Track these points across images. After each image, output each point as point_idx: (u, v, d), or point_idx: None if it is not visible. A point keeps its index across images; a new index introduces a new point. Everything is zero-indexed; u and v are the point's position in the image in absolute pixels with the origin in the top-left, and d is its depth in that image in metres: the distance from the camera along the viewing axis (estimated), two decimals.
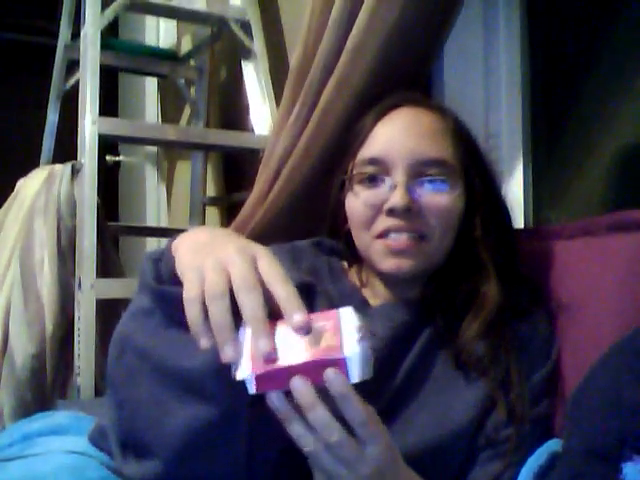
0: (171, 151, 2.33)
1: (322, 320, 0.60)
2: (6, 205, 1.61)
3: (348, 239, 0.90)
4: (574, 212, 1.16)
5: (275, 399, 0.58)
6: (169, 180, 2.38)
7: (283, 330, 0.58)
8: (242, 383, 0.57)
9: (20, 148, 2.50)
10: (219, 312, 0.57)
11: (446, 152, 0.85)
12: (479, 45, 1.25)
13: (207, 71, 1.99)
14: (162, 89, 2.41)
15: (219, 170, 2.04)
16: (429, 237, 0.83)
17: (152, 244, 2.40)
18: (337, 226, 0.93)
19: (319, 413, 0.57)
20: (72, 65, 1.77)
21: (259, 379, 0.57)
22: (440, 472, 0.78)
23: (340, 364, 0.57)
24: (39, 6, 3.08)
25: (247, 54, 1.70)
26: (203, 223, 1.99)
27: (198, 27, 1.93)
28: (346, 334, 0.58)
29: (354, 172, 0.87)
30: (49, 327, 1.45)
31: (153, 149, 2.47)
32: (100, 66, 1.48)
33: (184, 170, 2.18)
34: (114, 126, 1.50)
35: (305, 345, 0.57)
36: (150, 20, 2.43)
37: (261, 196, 1.28)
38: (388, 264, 0.83)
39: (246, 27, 1.69)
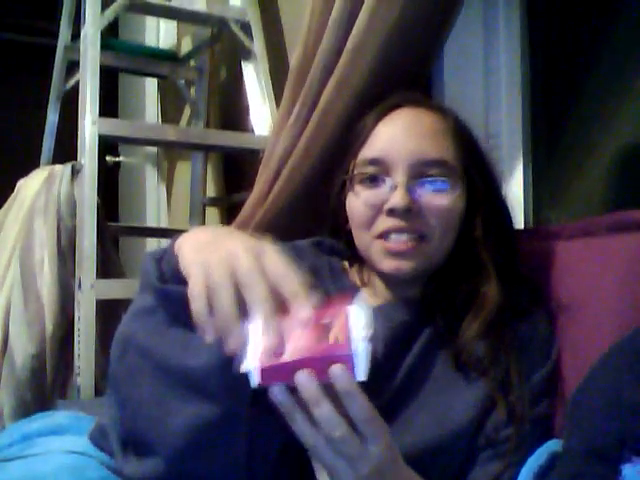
0: (171, 151, 2.33)
1: (330, 316, 0.59)
2: (6, 205, 1.61)
3: (349, 239, 0.90)
4: (574, 212, 1.16)
5: (278, 393, 0.58)
6: (169, 180, 2.38)
7: (289, 324, 0.58)
8: (245, 380, 0.57)
9: (20, 148, 2.50)
10: (224, 303, 0.58)
11: (447, 152, 0.85)
12: (479, 45, 1.25)
13: (207, 72, 1.99)
14: (162, 89, 2.41)
15: (219, 170, 2.04)
16: (429, 237, 0.83)
17: (152, 244, 2.40)
18: (338, 226, 0.93)
19: (324, 408, 0.57)
20: (72, 65, 1.77)
21: (264, 372, 0.57)
22: (440, 472, 0.77)
23: (347, 360, 0.57)
24: (39, 6, 3.08)
25: (247, 55, 1.70)
26: (203, 223, 1.99)
27: (198, 28, 1.93)
28: (354, 331, 0.58)
29: (355, 172, 0.87)
30: (49, 327, 1.45)
31: (153, 149, 2.47)
32: (100, 66, 1.48)
33: (184, 170, 2.18)
34: (114, 126, 1.50)
35: (312, 340, 0.57)
36: (150, 21, 2.43)
37: (261, 196, 1.28)
38: (388, 265, 0.83)
39: (246, 28, 1.69)
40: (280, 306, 0.59)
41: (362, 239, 0.86)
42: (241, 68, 1.72)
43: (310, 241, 0.96)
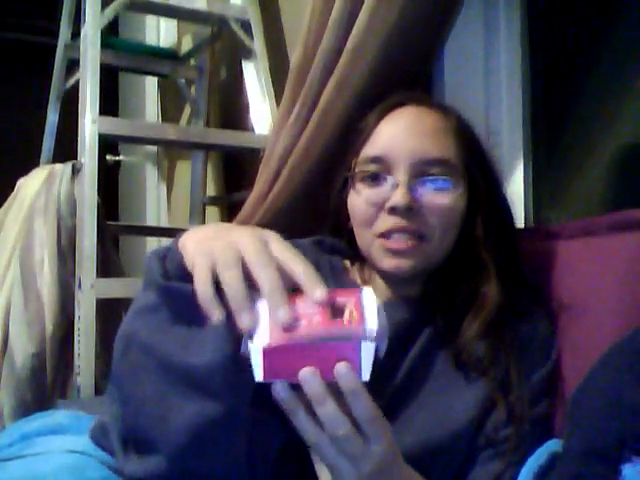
0: (171, 151, 2.33)
1: (344, 296, 0.59)
2: (6, 205, 1.61)
3: (350, 237, 0.91)
4: (574, 212, 1.17)
5: (281, 390, 0.58)
6: (169, 180, 2.38)
7: (300, 305, 0.58)
8: (247, 378, 0.57)
9: (20, 148, 2.50)
10: (233, 281, 0.58)
11: (448, 151, 0.85)
12: (479, 45, 1.25)
13: (207, 70, 1.99)
14: (162, 88, 2.41)
15: (219, 170, 2.04)
16: (429, 237, 0.83)
17: (152, 244, 2.40)
18: (339, 224, 0.93)
19: (328, 407, 0.57)
20: (72, 65, 1.77)
21: (271, 355, 0.56)
22: (440, 472, 0.78)
23: (354, 358, 0.56)
24: (39, 6, 3.08)
25: (247, 54, 1.70)
26: (203, 223, 1.99)
27: (198, 26, 1.93)
28: (368, 311, 0.58)
29: (357, 170, 0.87)
30: (49, 327, 1.45)
31: (153, 149, 2.47)
32: (100, 65, 1.48)
33: (184, 170, 2.18)
34: (114, 126, 1.50)
35: (325, 317, 0.57)
36: (150, 19, 2.43)
37: (261, 196, 1.28)
38: (388, 264, 0.83)
39: (246, 27, 1.69)
40: (288, 291, 0.59)
41: (363, 237, 0.87)
42: (241, 67, 1.72)
43: (311, 240, 0.96)
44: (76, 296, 1.40)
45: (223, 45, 1.99)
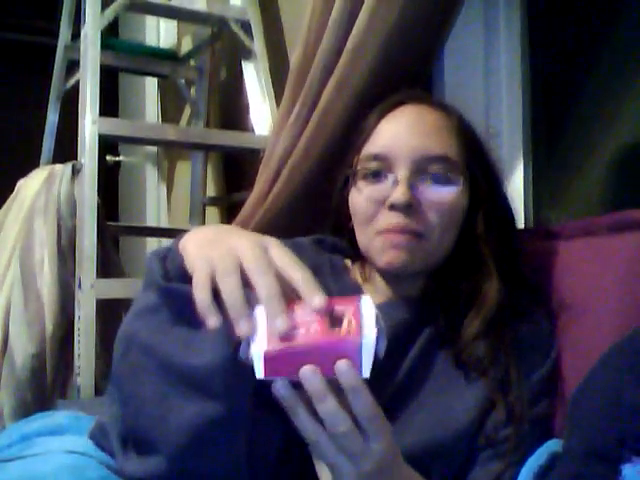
0: (171, 151, 2.33)
1: (342, 304, 0.59)
2: (6, 205, 1.61)
3: (351, 237, 0.90)
4: (574, 212, 1.17)
5: (281, 387, 0.58)
6: (169, 180, 2.39)
7: (298, 312, 0.58)
8: (248, 379, 0.57)
9: (20, 148, 2.50)
10: (232, 287, 0.58)
11: (450, 149, 0.85)
12: (479, 45, 1.25)
13: (207, 71, 1.99)
14: (162, 89, 2.41)
15: (219, 170, 2.04)
16: (429, 235, 0.83)
17: (152, 244, 2.40)
18: (340, 223, 0.93)
19: (329, 403, 0.57)
20: (72, 65, 1.77)
21: (270, 360, 0.56)
22: (440, 472, 0.77)
23: (356, 352, 0.56)
24: (39, 6, 3.08)
25: (247, 54, 1.70)
26: (203, 223, 1.99)
27: (198, 27, 1.93)
28: (366, 320, 0.58)
29: (358, 167, 0.87)
30: (49, 327, 1.45)
31: (153, 149, 2.47)
32: (100, 66, 1.48)
33: (184, 170, 2.18)
34: (114, 126, 1.50)
35: (323, 326, 0.57)
36: (150, 20, 2.43)
37: (261, 196, 1.28)
38: (385, 258, 0.83)
39: (246, 27, 1.69)
40: (287, 297, 0.59)
41: (363, 235, 0.86)
42: (241, 67, 1.72)
43: (311, 238, 0.96)
44: (76, 296, 1.40)
45: (223, 46, 1.99)
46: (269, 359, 0.56)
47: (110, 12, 1.53)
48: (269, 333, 0.57)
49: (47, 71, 1.88)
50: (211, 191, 2.03)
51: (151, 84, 2.45)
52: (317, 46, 1.16)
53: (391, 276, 0.87)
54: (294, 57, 1.24)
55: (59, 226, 1.50)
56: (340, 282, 0.89)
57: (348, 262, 0.95)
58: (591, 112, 1.14)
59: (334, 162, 1.03)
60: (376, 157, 0.85)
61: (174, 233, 0.73)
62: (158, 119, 2.44)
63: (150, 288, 0.68)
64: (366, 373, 0.57)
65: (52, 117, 1.89)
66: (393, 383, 0.81)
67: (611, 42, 1.12)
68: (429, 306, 0.86)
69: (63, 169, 1.51)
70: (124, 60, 1.91)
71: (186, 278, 0.64)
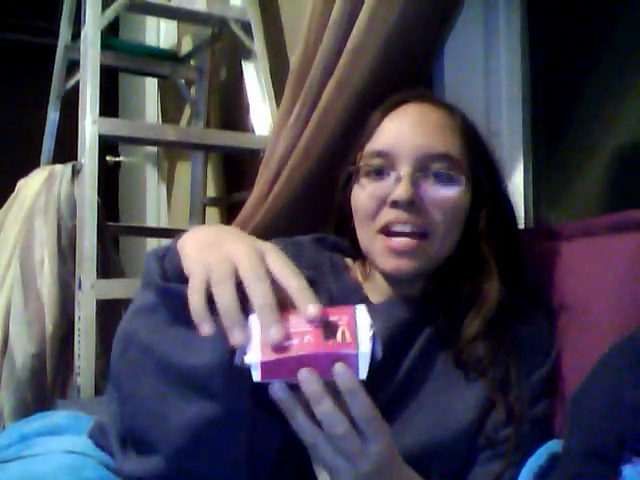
0: (171, 151, 2.33)
1: (337, 314, 0.59)
2: (6, 205, 1.61)
3: (353, 236, 0.90)
4: (574, 212, 1.17)
5: (278, 390, 0.58)
6: (169, 180, 2.38)
7: (292, 321, 0.58)
8: (246, 379, 0.57)
9: (20, 148, 2.50)
10: (226, 295, 0.58)
11: (452, 148, 0.85)
12: (479, 45, 1.25)
13: (207, 71, 1.99)
14: (162, 89, 2.41)
15: (219, 170, 2.04)
16: (432, 234, 0.83)
17: (152, 244, 2.40)
18: (342, 222, 0.93)
19: (326, 405, 0.57)
20: (72, 65, 1.77)
21: (266, 367, 0.56)
22: (440, 472, 0.77)
23: (351, 359, 0.57)
24: (39, 6, 3.08)
25: (247, 54, 1.70)
26: (203, 223, 1.99)
27: (198, 27, 1.93)
28: (361, 330, 0.58)
29: (361, 164, 0.87)
30: (49, 327, 1.45)
31: (153, 149, 2.47)
32: (100, 66, 1.48)
33: (184, 170, 2.18)
34: (114, 126, 1.50)
35: (317, 337, 0.57)
36: (150, 20, 2.43)
37: (261, 196, 1.28)
38: (389, 264, 0.83)
39: (246, 27, 1.69)
40: (283, 304, 0.59)
41: (365, 233, 0.86)
42: (241, 68, 1.72)
43: (311, 237, 0.96)
44: (76, 296, 1.40)
45: (223, 46, 1.99)
46: (263, 369, 0.57)
47: (110, 12, 1.53)
48: (263, 343, 0.57)
49: (47, 71, 1.88)
50: (211, 191, 2.03)
51: (151, 84, 2.45)
52: (317, 46, 1.16)
53: (391, 277, 0.87)
54: (294, 57, 1.24)
55: (59, 226, 1.50)
56: (340, 281, 0.89)
57: (349, 261, 0.95)
58: (591, 112, 1.14)
59: (334, 162, 1.03)
60: (379, 154, 0.85)
61: (174, 233, 0.73)
62: (158, 119, 2.44)
63: (148, 288, 0.68)
64: (362, 375, 0.57)
65: (52, 117, 1.89)
66: (393, 383, 0.81)
67: (611, 42, 1.12)
68: (429, 306, 0.86)
69: (63, 169, 1.51)
70: (124, 60, 1.91)
71: (184, 278, 0.64)
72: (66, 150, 1.71)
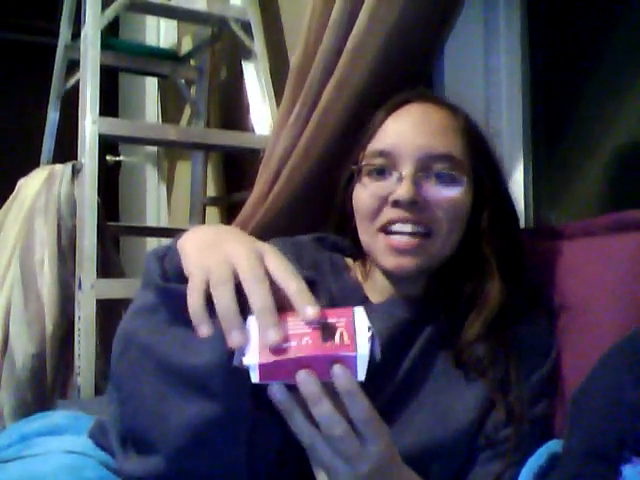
0: (171, 151, 2.33)
1: (335, 316, 0.60)
2: (6, 205, 1.61)
3: (354, 235, 0.90)
4: (574, 212, 1.17)
5: (277, 391, 0.58)
6: (169, 180, 2.38)
7: (291, 323, 0.58)
8: (246, 379, 0.57)
9: (20, 148, 2.50)
10: (225, 297, 0.58)
11: (455, 148, 0.85)
12: (479, 45, 1.25)
13: (207, 71, 1.99)
14: (162, 89, 2.41)
15: (219, 170, 2.04)
16: (435, 232, 0.83)
17: (152, 244, 2.40)
18: (343, 221, 0.93)
19: (324, 407, 0.57)
20: (72, 65, 1.77)
21: (265, 369, 0.57)
22: (440, 472, 0.77)
23: (350, 361, 0.57)
24: (39, 6, 3.08)
25: (247, 54, 1.70)
26: (203, 223, 1.99)
27: (198, 27, 1.93)
28: (359, 332, 0.58)
29: (363, 163, 0.87)
30: (49, 327, 1.45)
31: (153, 149, 2.47)
32: (100, 66, 1.48)
33: (184, 170, 2.18)
34: (114, 126, 1.50)
35: (316, 339, 0.57)
36: (150, 20, 2.43)
37: (261, 196, 1.28)
38: (390, 263, 0.83)
39: (246, 27, 1.69)
40: (281, 306, 0.59)
41: (366, 232, 0.86)
42: (241, 67, 1.72)
43: (312, 237, 0.96)
44: (76, 296, 1.40)
45: (223, 46, 1.99)
46: (262, 371, 0.57)
47: (110, 12, 1.53)
48: (261, 345, 0.57)
49: (47, 71, 1.88)
50: (211, 191, 2.03)
51: (151, 84, 2.45)
52: (317, 46, 1.16)
53: (393, 275, 0.87)
54: (294, 57, 1.24)
55: (59, 226, 1.50)
56: (340, 281, 0.89)
57: (349, 261, 0.95)
58: (591, 112, 1.14)
59: (334, 162, 1.03)
60: (381, 153, 0.85)
61: (174, 233, 0.73)
62: (158, 119, 2.44)
63: (148, 287, 0.68)
64: (361, 377, 0.57)
65: (52, 117, 1.88)
66: (393, 383, 0.81)
67: (611, 42, 1.12)
68: (430, 305, 0.86)
69: (63, 169, 1.51)
70: (124, 60, 1.91)
71: (184, 278, 0.64)
72: (66, 150, 1.71)
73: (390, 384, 0.81)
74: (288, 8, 1.70)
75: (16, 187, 1.62)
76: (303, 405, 0.58)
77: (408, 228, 0.82)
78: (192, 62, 2.03)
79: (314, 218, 1.03)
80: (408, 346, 0.84)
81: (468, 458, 0.79)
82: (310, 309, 0.58)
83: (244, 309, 0.59)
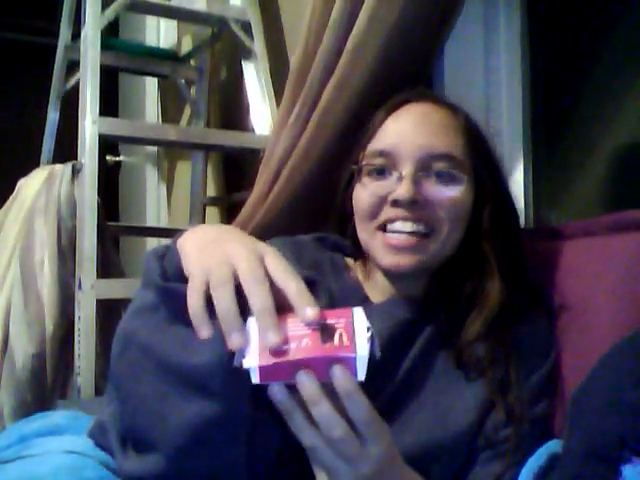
0: (171, 151, 2.33)
1: (335, 317, 0.60)
2: (6, 205, 1.61)
3: (354, 235, 0.90)
4: (574, 212, 1.17)
5: (277, 392, 0.58)
6: (169, 180, 2.38)
7: (291, 324, 0.58)
8: (246, 379, 0.57)
9: (20, 148, 2.50)
10: (225, 299, 0.58)
11: (455, 148, 0.85)
12: (479, 45, 1.25)
13: (207, 71, 1.99)
14: (162, 89, 2.41)
15: (219, 170, 2.04)
16: (436, 231, 0.83)
17: (152, 244, 2.40)
18: (344, 221, 0.93)
19: (324, 408, 0.57)
20: (72, 65, 1.77)
21: (264, 370, 0.57)
22: (440, 472, 0.77)
23: (349, 362, 0.57)
24: (39, 6, 3.08)
25: (247, 54, 1.70)
26: (203, 223, 1.99)
27: (198, 27, 1.93)
28: (359, 333, 0.58)
29: (363, 163, 0.87)
30: (49, 327, 1.45)
31: (153, 149, 2.47)
32: (100, 66, 1.48)
33: (184, 170, 2.18)
34: (114, 126, 1.50)
35: (315, 340, 0.57)
36: (150, 20, 2.43)
37: (261, 196, 1.28)
38: (388, 260, 0.83)
39: (246, 27, 1.69)
40: (282, 307, 0.59)
41: (364, 230, 0.86)
42: (241, 67, 1.72)
43: (312, 236, 0.96)
44: (76, 297, 1.40)
45: (223, 46, 1.99)
46: (262, 373, 0.57)
47: (110, 12, 1.53)
48: (261, 347, 0.57)
49: (47, 71, 1.88)
50: (211, 191, 2.03)
51: (151, 84, 2.45)
52: (317, 46, 1.16)
53: (393, 275, 0.87)
54: (294, 57, 1.24)
55: (59, 226, 1.50)
56: (341, 280, 0.89)
57: (349, 260, 0.95)
58: (591, 112, 1.14)
59: (334, 162, 1.04)
60: (381, 153, 0.85)
61: (174, 233, 0.73)
62: (158, 119, 2.44)
63: (148, 287, 0.68)
64: (361, 378, 0.57)
65: (52, 117, 1.88)
66: (393, 383, 0.81)
67: (611, 42, 1.12)
68: (430, 305, 0.86)
69: (63, 169, 1.51)
70: (124, 60, 1.91)
71: (184, 277, 0.64)
72: (66, 150, 1.71)
73: (390, 384, 0.81)
74: (288, 8, 1.70)
75: (16, 187, 1.62)
76: (303, 406, 0.58)
77: (408, 227, 0.82)
78: (192, 62, 2.03)
79: (314, 218, 1.03)
80: (408, 346, 0.84)
81: (468, 458, 0.79)
82: (309, 310, 0.58)
83: (244, 310, 0.59)
